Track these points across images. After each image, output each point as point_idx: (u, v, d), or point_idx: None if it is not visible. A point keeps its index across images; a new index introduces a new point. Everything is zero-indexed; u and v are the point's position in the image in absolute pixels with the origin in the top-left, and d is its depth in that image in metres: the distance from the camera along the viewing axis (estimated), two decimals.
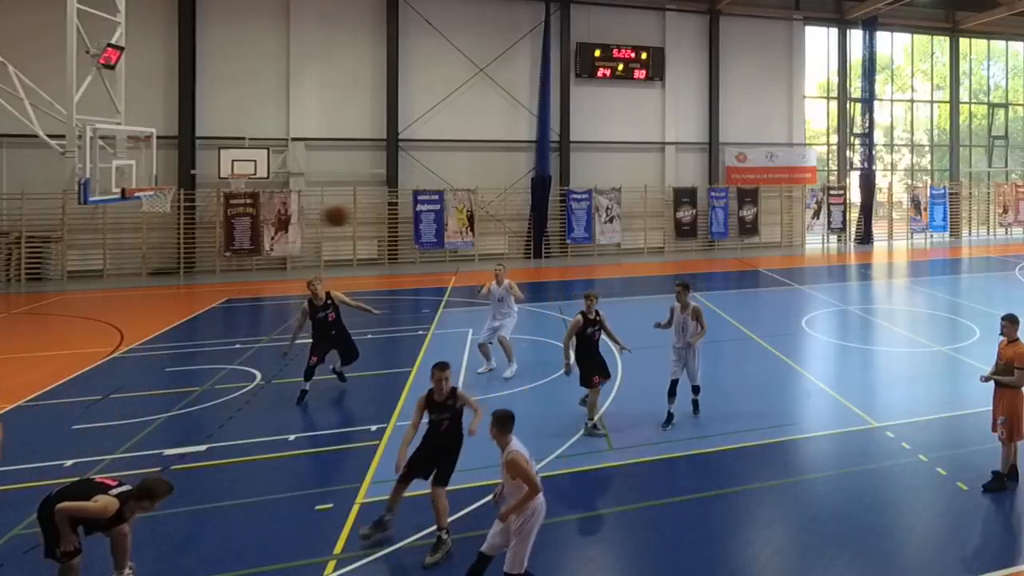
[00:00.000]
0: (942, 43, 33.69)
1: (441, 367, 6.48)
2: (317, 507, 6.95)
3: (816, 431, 9.00)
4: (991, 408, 7.46)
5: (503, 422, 5.54)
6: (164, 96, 22.08)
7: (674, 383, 9.12)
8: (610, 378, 9.18)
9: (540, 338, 13.50)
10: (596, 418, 8.95)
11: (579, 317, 9.00)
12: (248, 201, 22.19)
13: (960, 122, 33.67)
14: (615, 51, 26.76)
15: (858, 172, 30.59)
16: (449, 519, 6.50)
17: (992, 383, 7.40)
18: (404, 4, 24.48)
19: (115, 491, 5.38)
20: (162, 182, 16.13)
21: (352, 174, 23.87)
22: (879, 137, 32.09)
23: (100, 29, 12.58)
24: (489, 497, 6.32)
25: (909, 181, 33.91)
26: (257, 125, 22.93)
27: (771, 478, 7.60)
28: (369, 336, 13.47)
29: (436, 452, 6.49)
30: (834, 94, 31.50)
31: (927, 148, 34.52)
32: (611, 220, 26.32)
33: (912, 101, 34.00)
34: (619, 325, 14.36)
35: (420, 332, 13.92)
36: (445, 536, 6.23)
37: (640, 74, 27.12)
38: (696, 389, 9.37)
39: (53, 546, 5.31)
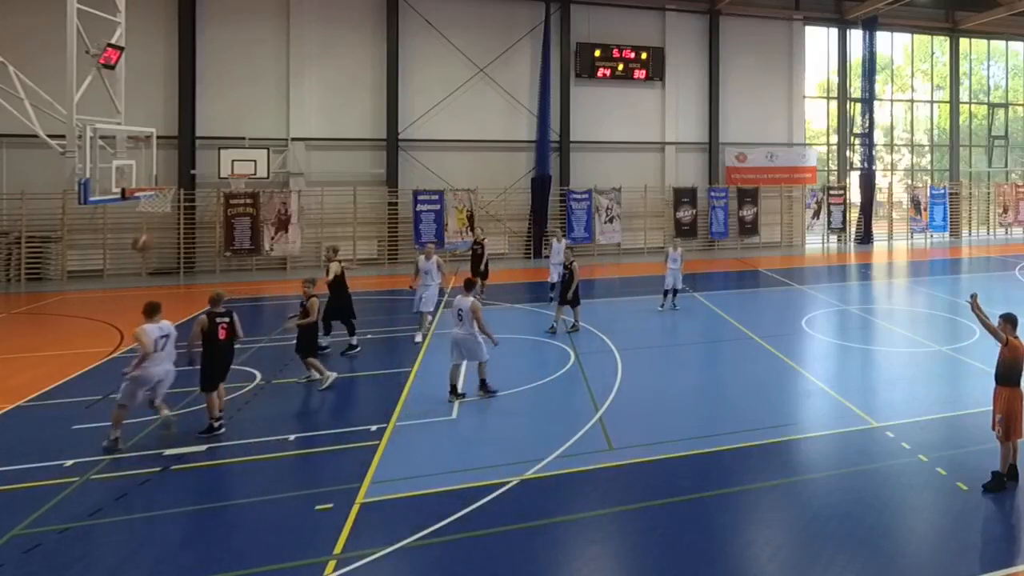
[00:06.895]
0: (942, 43, 33.69)
1: None
2: (317, 507, 6.93)
3: (816, 431, 9.00)
4: (991, 408, 7.47)
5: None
6: (164, 96, 22.09)
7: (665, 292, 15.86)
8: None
9: (539, 338, 13.53)
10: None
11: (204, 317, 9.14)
12: (248, 201, 22.18)
13: (960, 122, 33.67)
14: (615, 51, 26.75)
15: (858, 172, 30.59)
16: (448, 519, 6.53)
17: (992, 386, 7.44)
18: (404, 4, 24.48)
19: None
20: (162, 182, 16.15)
21: (352, 174, 23.88)
22: (879, 137, 32.07)
23: (100, 29, 12.58)
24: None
25: (909, 181, 33.93)
26: (257, 125, 22.94)
27: (771, 478, 7.60)
28: (369, 336, 13.50)
29: None
30: (834, 94, 31.50)
31: (927, 148, 34.52)
32: (611, 220, 26.32)
33: (912, 101, 34.00)
34: (619, 324, 14.54)
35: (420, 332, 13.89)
36: None
37: (640, 74, 27.12)
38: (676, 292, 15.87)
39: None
